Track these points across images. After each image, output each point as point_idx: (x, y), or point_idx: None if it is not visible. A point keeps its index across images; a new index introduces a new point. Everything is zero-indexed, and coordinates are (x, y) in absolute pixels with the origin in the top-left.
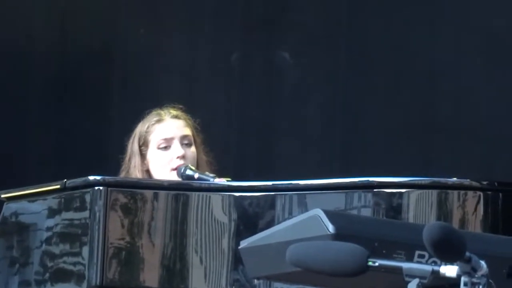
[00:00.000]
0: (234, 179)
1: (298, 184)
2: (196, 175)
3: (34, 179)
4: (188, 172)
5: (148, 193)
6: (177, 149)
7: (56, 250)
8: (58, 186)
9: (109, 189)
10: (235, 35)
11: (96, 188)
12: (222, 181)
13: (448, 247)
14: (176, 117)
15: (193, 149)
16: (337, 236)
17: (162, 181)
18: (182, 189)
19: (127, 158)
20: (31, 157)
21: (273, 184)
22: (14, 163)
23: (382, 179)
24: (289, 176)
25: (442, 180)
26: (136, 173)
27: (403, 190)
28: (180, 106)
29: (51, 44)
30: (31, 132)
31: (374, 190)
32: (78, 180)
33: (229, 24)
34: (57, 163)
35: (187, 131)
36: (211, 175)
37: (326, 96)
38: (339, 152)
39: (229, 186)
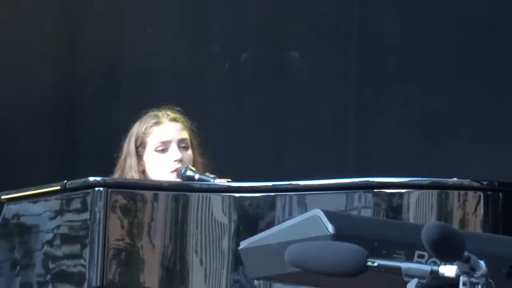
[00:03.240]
0: (235, 180)
1: (298, 184)
2: (197, 176)
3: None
4: (189, 173)
5: (148, 194)
6: (174, 152)
7: (57, 252)
8: (58, 187)
9: (109, 190)
10: (245, 34)
11: (96, 189)
12: (222, 182)
13: (446, 246)
14: (174, 119)
15: (190, 152)
16: (336, 237)
17: (162, 182)
18: (182, 190)
19: (122, 157)
20: (42, 157)
21: (273, 185)
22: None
23: (382, 180)
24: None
25: (442, 180)
26: (132, 174)
27: (403, 191)
28: (178, 109)
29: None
30: (39, 134)
31: (374, 190)
32: (78, 181)
33: (239, 24)
34: (66, 163)
35: (185, 134)
36: (212, 176)
37: (338, 95)
38: (352, 153)
39: (229, 186)
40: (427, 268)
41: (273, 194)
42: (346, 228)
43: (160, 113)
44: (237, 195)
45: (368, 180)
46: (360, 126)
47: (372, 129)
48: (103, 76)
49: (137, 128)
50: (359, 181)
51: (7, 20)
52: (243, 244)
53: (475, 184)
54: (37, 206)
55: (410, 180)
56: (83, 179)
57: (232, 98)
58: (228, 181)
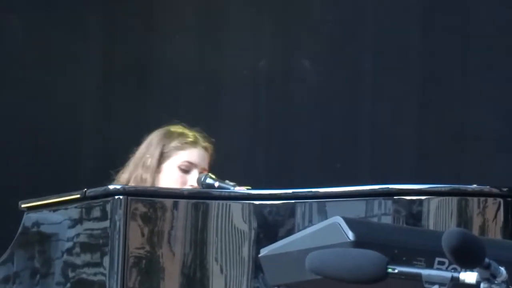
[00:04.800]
0: (254, 188)
1: (318, 191)
2: (217, 184)
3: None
4: (208, 180)
5: (168, 202)
6: (194, 178)
7: (77, 260)
8: (78, 196)
9: (129, 198)
10: (262, 41)
11: (116, 197)
12: (242, 189)
13: (467, 253)
14: (206, 149)
15: None
16: (356, 244)
17: (182, 190)
18: (202, 197)
19: (140, 155)
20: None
21: (293, 192)
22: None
23: (402, 186)
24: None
25: (462, 187)
26: (146, 175)
27: (423, 197)
28: (212, 140)
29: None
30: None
31: (394, 197)
32: (98, 190)
33: (256, 29)
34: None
35: (206, 165)
36: (231, 183)
37: (349, 104)
38: (364, 162)
39: (249, 194)
40: (448, 274)
41: (293, 201)
42: (366, 235)
43: (197, 136)
44: (257, 202)
45: (388, 187)
46: (374, 134)
47: (386, 138)
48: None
49: (168, 137)
50: (379, 188)
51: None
52: (263, 252)
53: (494, 190)
54: (56, 214)
55: (430, 187)
56: (103, 187)
57: (247, 106)
58: (248, 189)
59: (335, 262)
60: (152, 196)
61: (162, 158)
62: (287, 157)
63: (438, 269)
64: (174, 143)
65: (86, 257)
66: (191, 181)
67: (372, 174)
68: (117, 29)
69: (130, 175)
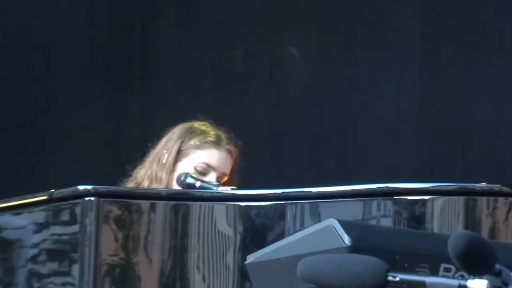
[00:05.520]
0: (239, 188)
1: (311, 191)
2: (198, 184)
3: None
4: (189, 180)
5: (144, 204)
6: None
7: (43, 269)
8: (45, 197)
9: (101, 199)
10: (236, 29)
11: (87, 198)
12: (226, 189)
13: (475, 258)
14: (229, 152)
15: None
16: (354, 249)
17: (160, 190)
18: (182, 198)
19: (158, 149)
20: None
21: (282, 192)
22: None
23: (403, 185)
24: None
25: (469, 185)
26: (161, 174)
27: (426, 197)
28: (238, 142)
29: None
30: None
31: (395, 197)
32: (67, 190)
33: (231, 18)
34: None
35: (228, 171)
36: (215, 183)
37: (340, 96)
38: (360, 158)
39: (233, 194)
40: (455, 282)
41: (282, 202)
42: (364, 239)
43: (221, 136)
44: (242, 204)
45: (388, 186)
46: (363, 128)
47: (378, 132)
48: None
49: (189, 134)
50: (377, 188)
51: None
52: (250, 259)
53: (505, 189)
54: (20, 218)
55: (433, 186)
56: (72, 188)
57: (224, 100)
58: (232, 189)
59: (330, 270)
60: (127, 198)
61: (179, 155)
62: (275, 154)
63: (443, 276)
64: (194, 141)
65: (53, 266)
66: None
67: (370, 172)
68: None
69: (146, 171)
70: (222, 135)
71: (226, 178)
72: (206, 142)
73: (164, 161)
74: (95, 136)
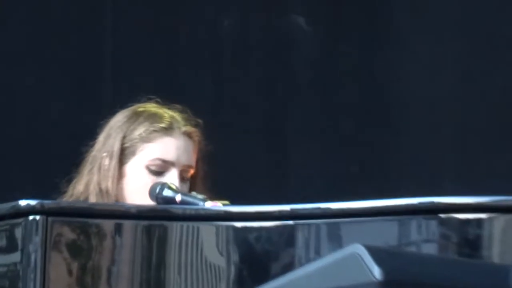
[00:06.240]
0: (233, 202)
1: (329, 208)
2: (179, 197)
3: None
4: (166, 192)
5: (107, 225)
6: (172, 181)
7: None
8: None
9: (49, 218)
10: None
11: (31, 218)
12: (217, 205)
13: None
14: (189, 135)
15: (188, 185)
16: (386, 284)
17: (128, 207)
18: (157, 217)
19: (94, 154)
20: None
21: (291, 209)
22: None
23: (452, 200)
24: (307, 196)
25: None
26: (107, 183)
27: (483, 216)
28: (199, 120)
29: None
30: None
31: (441, 215)
32: (4, 207)
33: None
34: None
35: (193, 161)
36: (200, 196)
37: (361, 79)
38: (384, 161)
39: (226, 212)
40: None
41: (291, 222)
42: (399, 271)
43: (172, 117)
44: (238, 224)
45: (432, 201)
46: (383, 125)
47: (402, 129)
48: None
49: (128, 125)
50: (417, 203)
51: None
52: None
53: None
54: None
55: (493, 200)
56: (11, 204)
57: (209, 84)
58: (224, 204)
59: None
60: (84, 216)
61: (123, 155)
62: (278, 156)
63: None
64: (138, 132)
65: None
66: None
67: (405, 180)
68: None
69: (85, 184)
70: (175, 115)
71: (192, 172)
72: (155, 131)
73: (106, 167)
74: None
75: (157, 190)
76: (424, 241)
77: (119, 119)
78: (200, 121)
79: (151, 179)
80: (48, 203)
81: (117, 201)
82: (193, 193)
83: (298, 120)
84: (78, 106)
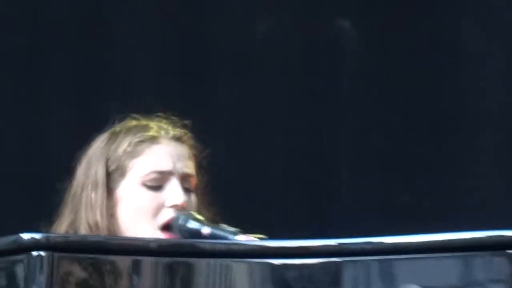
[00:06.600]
0: (271, 237)
1: (382, 243)
2: (206, 230)
3: None
4: (191, 224)
5: (123, 262)
6: (174, 192)
7: None
8: None
9: (56, 254)
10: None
11: (35, 253)
12: (250, 239)
13: None
14: (178, 139)
15: (194, 196)
16: None
17: (147, 241)
18: (181, 253)
19: (74, 190)
20: None
21: (339, 244)
22: None
23: None
24: (354, 228)
25: None
26: (95, 217)
27: None
28: (185, 123)
29: None
30: None
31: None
32: (4, 241)
33: None
34: None
35: (191, 168)
36: (231, 229)
37: (415, 87)
38: (444, 189)
39: (262, 247)
40: None
41: (338, 260)
42: None
43: (153, 123)
44: (276, 262)
45: (501, 235)
46: (464, 139)
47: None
48: None
49: (109, 146)
50: (486, 237)
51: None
52: None
53: None
54: None
55: None
56: (12, 237)
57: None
58: (260, 239)
59: None
60: (97, 251)
61: (111, 181)
62: (320, 184)
63: None
64: (123, 147)
65: None
66: (171, 199)
67: (466, 209)
68: None
69: (70, 225)
70: (159, 122)
71: (194, 182)
72: (141, 141)
73: (92, 201)
74: None
75: (180, 221)
76: (492, 281)
77: (97, 145)
78: (187, 122)
79: (150, 196)
80: (54, 236)
81: (110, 234)
82: (223, 225)
83: (337, 134)
84: None
